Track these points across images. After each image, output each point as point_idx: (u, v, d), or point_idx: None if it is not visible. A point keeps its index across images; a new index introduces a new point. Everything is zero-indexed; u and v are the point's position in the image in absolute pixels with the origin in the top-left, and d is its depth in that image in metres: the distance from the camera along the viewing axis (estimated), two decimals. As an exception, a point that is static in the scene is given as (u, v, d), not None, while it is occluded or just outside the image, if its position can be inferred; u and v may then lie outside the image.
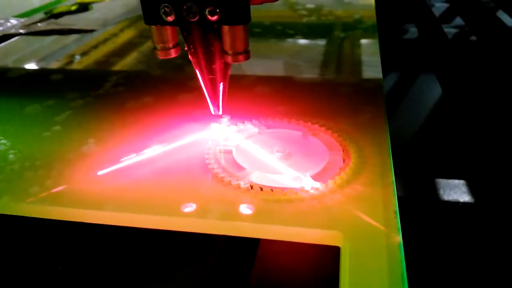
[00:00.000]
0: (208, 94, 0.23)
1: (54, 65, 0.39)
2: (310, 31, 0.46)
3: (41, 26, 0.49)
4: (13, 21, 0.51)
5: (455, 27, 0.55)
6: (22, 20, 0.52)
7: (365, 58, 0.37)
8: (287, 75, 0.35)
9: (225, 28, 0.20)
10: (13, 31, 0.48)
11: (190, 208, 0.19)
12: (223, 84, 0.23)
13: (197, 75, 0.23)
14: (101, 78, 0.34)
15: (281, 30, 0.46)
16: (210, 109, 0.24)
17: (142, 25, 0.50)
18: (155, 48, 0.22)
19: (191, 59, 0.22)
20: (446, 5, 0.64)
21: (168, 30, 0.21)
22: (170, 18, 0.20)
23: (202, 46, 0.21)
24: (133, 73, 0.36)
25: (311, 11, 0.52)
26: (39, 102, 0.30)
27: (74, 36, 0.47)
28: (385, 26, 0.53)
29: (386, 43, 0.44)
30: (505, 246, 0.23)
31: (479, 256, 0.23)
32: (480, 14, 0.56)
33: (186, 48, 0.22)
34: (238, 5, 0.19)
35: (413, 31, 0.55)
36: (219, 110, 0.24)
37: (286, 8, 0.55)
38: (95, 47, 0.43)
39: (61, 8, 0.57)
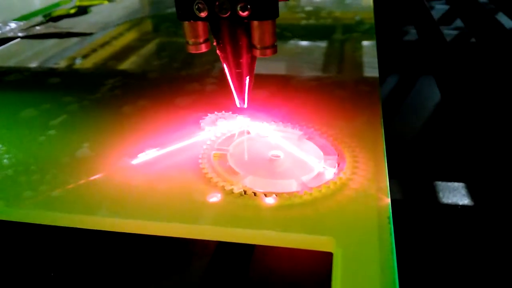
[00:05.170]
0: (234, 88, 0.24)
1: (51, 68, 0.39)
2: (308, 33, 0.46)
3: (39, 29, 0.50)
4: (12, 25, 0.51)
5: (454, 29, 0.55)
6: (21, 23, 0.52)
7: (362, 60, 0.37)
8: (283, 77, 0.35)
9: (255, 23, 0.21)
10: (11, 34, 0.48)
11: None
12: (249, 78, 0.24)
13: (224, 70, 0.24)
14: (98, 81, 0.34)
15: (279, 33, 0.46)
16: (236, 103, 0.25)
17: (140, 28, 0.50)
18: (186, 43, 0.23)
19: (219, 54, 0.23)
20: (445, 7, 0.64)
21: (200, 25, 0.23)
22: (203, 14, 0.21)
23: (231, 41, 0.22)
24: (130, 76, 0.36)
25: (309, 13, 0.52)
26: (35, 106, 0.30)
27: (72, 40, 0.47)
28: (384, 28, 0.53)
29: (385, 45, 0.44)
30: (505, 249, 0.23)
31: (479, 259, 0.23)
32: (480, 16, 0.56)
33: (214, 43, 0.23)
34: (267, 1, 0.20)
35: (412, 33, 0.55)
36: (244, 103, 0.24)
37: (286, 10, 0.55)
38: (93, 50, 0.43)
39: (60, 11, 0.57)
